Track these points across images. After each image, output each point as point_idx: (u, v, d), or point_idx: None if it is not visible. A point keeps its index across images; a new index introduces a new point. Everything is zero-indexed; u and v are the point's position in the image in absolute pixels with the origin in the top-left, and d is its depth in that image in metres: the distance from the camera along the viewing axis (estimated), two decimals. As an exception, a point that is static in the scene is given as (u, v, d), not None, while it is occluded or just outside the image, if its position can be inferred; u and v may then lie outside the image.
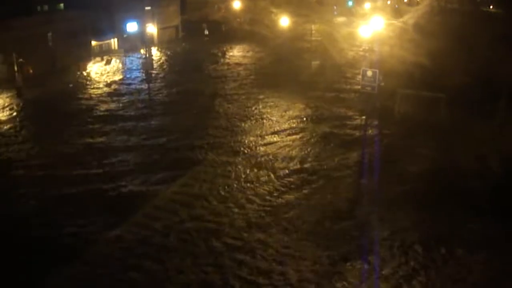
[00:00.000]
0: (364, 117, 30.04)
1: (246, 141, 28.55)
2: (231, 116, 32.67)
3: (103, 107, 34.30)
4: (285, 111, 33.24)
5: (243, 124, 31.30)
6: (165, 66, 46.32)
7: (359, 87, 30.28)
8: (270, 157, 26.04)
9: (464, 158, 25.60)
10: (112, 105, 34.67)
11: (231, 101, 35.81)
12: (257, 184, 23.37)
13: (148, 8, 53.45)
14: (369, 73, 27.62)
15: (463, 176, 23.92)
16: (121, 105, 34.89)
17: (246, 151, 27.19)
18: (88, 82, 40.11)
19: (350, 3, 76.66)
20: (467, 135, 28.46)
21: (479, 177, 24.05)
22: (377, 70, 27.66)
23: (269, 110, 33.43)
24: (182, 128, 30.01)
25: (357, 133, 29.80)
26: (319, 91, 37.87)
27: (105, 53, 48.91)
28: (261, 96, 36.40)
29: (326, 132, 30.06)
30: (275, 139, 28.54)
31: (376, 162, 26.05)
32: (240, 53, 52.06)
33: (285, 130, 29.85)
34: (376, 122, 31.20)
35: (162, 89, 38.42)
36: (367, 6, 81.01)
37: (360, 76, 29.72)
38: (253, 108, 34.00)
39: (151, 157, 26.11)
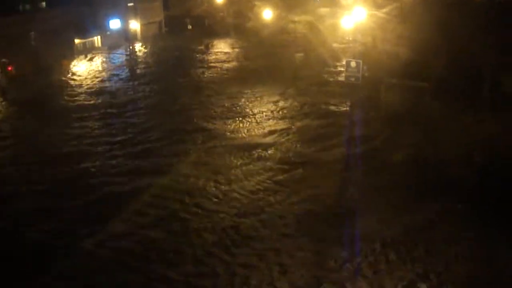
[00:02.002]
0: (349, 107, 30.33)
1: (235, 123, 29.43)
2: (220, 111, 32.36)
3: (87, 106, 33.81)
4: (271, 105, 32.96)
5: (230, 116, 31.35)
6: (149, 63, 45.96)
7: (343, 78, 30.58)
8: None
9: (448, 146, 25.88)
10: (96, 104, 34.19)
11: (218, 95, 35.41)
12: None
13: (130, 4, 53.34)
14: (353, 64, 27.74)
15: (447, 164, 24.25)
16: (105, 104, 34.35)
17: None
18: (71, 81, 39.69)
19: None
20: (451, 124, 28.71)
21: (464, 165, 24.41)
22: (361, 61, 27.81)
23: (255, 105, 33.14)
24: (167, 128, 29.63)
25: (342, 123, 29.72)
26: (304, 83, 37.58)
27: (88, 51, 48.55)
28: (246, 91, 35.94)
29: (311, 124, 29.90)
30: (262, 140, 27.95)
31: (361, 152, 26.31)
32: (223, 47, 51.74)
33: (271, 129, 29.16)
34: (361, 112, 31.47)
35: (146, 87, 37.89)
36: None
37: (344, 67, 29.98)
38: (239, 103, 33.76)
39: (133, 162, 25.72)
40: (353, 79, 27.68)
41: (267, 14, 54.61)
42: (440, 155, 25.11)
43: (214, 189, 22.18)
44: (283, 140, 27.48)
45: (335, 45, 48.33)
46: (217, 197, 21.42)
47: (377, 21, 49.59)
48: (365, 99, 32.21)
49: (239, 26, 58.63)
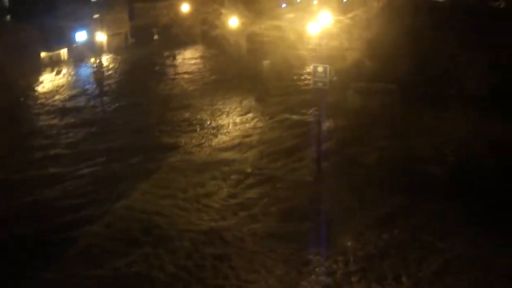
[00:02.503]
0: (317, 112, 30.44)
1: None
2: (185, 125, 31.97)
3: (53, 123, 32.97)
4: (238, 117, 32.80)
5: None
6: (115, 76, 45.11)
7: (311, 83, 30.66)
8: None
9: (418, 146, 26.19)
10: (63, 121, 33.31)
11: (184, 108, 34.90)
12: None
13: (96, 16, 52.91)
14: (320, 69, 27.84)
15: (418, 163, 24.54)
16: (72, 121, 33.45)
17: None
18: (38, 96, 38.85)
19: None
20: (420, 124, 29.10)
21: (434, 164, 24.73)
22: (328, 66, 28.00)
23: (222, 118, 32.80)
24: (132, 146, 28.61)
25: (310, 131, 29.42)
26: (271, 92, 37.51)
27: (55, 64, 47.87)
28: (213, 102, 35.69)
29: (279, 135, 29.81)
30: (227, 154, 27.50)
31: (332, 155, 26.35)
32: (190, 57, 51.39)
33: (236, 142, 28.84)
34: (330, 117, 31.64)
35: (113, 103, 37.07)
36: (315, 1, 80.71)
37: (310, 72, 30.06)
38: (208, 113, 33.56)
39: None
40: (320, 84, 27.74)
41: (234, 21, 54.56)
42: (411, 155, 25.49)
43: (175, 209, 21.47)
44: (248, 154, 27.09)
45: (302, 51, 47.80)
46: (173, 223, 20.43)
47: (344, 26, 49.99)
48: (334, 103, 32.44)
49: (206, 34, 58.31)
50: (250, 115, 33.15)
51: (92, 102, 37.47)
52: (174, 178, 24.10)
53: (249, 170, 24.94)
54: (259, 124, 31.47)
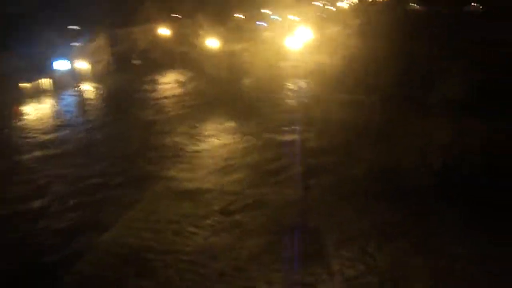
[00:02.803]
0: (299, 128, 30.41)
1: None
2: (165, 152, 31.17)
3: (36, 155, 31.87)
4: (218, 140, 32.05)
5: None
6: (98, 103, 44.53)
7: (292, 99, 30.70)
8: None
9: (402, 153, 26.24)
10: (46, 152, 32.22)
11: (164, 134, 34.13)
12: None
13: (76, 44, 52.83)
14: (302, 84, 27.91)
15: (403, 170, 24.55)
16: (56, 151, 32.47)
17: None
18: (21, 128, 37.71)
19: (273, 17, 75.62)
20: (403, 132, 29.19)
21: (418, 169, 24.76)
22: (309, 80, 28.02)
23: (201, 143, 31.88)
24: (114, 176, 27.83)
25: (294, 150, 29.44)
26: (253, 112, 36.85)
27: (37, 94, 47.58)
28: (192, 126, 34.94)
29: (262, 158, 28.89)
30: (206, 183, 26.40)
31: (317, 171, 26.34)
32: (170, 80, 50.93)
33: (217, 168, 27.83)
34: (313, 131, 31.56)
35: (97, 130, 36.20)
36: (291, 17, 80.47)
37: (292, 88, 30.13)
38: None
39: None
40: (304, 98, 27.81)
41: (213, 42, 54.54)
42: (396, 163, 25.54)
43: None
44: (229, 180, 26.13)
45: (282, 68, 47.74)
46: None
47: (324, 42, 50.24)
48: (316, 117, 32.39)
49: (185, 56, 57.99)
50: (232, 136, 32.47)
51: (75, 132, 36.79)
52: (157, 209, 23.28)
53: (233, 197, 24.15)
54: (241, 146, 30.72)
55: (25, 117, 41.18)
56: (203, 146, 32.05)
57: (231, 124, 35.79)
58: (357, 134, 29.62)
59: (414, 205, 21.44)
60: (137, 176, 27.94)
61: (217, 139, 33.01)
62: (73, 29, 53.02)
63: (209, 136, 34.03)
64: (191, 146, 32.32)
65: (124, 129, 37.14)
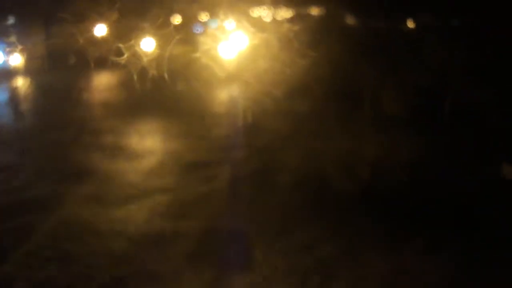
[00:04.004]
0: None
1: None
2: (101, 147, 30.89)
3: None
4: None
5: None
6: (31, 100, 43.89)
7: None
8: None
9: (331, 166, 26.85)
10: None
11: (100, 131, 33.36)
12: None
13: (11, 39, 51.96)
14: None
15: (331, 183, 25.14)
16: None
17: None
18: None
19: (213, 24, 74.09)
20: (334, 146, 29.86)
21: (347, 182, 25.42)
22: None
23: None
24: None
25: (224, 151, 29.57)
26: (185, 114, 36.74)
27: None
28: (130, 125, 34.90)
29: (196, 156, 28.95)
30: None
31: (247, 180, 26.66)
32: (104, 81, 50.99)
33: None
34: (244, 139, 31.93)
35: (29, 126, 35.49)
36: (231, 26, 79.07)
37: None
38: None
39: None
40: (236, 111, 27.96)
41: (149, 45, 53.64)
42: (324, 176, 26.12)
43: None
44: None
45: (217, 73, 46.95)
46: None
47: (260, 47, 49.85)
48: (248, 126, 32.78)
49: (119, 57, 56.64)
50: (164, 137, 32.53)
51: (5, 129, 36.41)
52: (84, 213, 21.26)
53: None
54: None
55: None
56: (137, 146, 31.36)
57: (163, 125, 34.98)
58: (285, 143, 30.08)
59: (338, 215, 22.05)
60: (67, 175, 26.17)
61: (149, 139, 32.62)
62: (11, 24, 52.03)
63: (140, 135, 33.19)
64: (122, 145, 31.32)
65: (57, 126, 35.40)
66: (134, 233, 19.55)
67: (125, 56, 61.89)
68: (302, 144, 29.18)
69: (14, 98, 41.55)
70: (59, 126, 34.31)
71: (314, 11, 50.61)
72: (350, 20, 52.33)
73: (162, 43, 61.49)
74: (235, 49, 41.06)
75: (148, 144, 32.21)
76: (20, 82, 48.21)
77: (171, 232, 19.70)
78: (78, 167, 26.93)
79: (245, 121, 33.31)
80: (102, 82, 49.38)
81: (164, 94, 41.49)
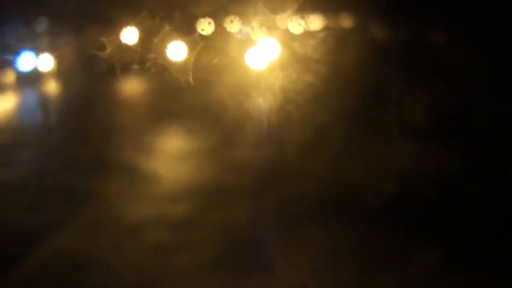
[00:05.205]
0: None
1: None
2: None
3: None
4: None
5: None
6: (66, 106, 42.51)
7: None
8: None
9: (356, 177, 26.92)
10: None
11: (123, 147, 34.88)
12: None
13: (41, 44, 52.26)
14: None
15: (356, 194, 25.18)
16: None
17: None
18: None
19: (243, 32, 73.03)
20: (360, 155, 29.90)
21: (371, 194, 25.51)
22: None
23: None
24: None
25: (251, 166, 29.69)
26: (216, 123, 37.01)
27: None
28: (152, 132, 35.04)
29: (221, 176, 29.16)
30: None
31: (271, 190, 26.66)
32: (137, 86, 50.79)
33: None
34: (272, 148, 32.09)
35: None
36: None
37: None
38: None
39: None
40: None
41: (177, 50, 52.47)
42: (350, 186, 26.16)
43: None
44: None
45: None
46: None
47: (289, 58, 47.41)
48: (277, 135, 32.87)
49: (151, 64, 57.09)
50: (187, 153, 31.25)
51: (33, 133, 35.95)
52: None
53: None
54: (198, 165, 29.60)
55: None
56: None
57: (187, 138, 35.07)
58: (312, 153, 30.12)
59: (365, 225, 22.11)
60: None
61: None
62: (38, 27, 52.14)
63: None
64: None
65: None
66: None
67: (152, 62, 62.39)
68: (329, 154, 29.25)
69: (46, 103, 41.80)
70: (96, 130, 34.15)
71: (345, 21, 50.58)
72: (380, 31, 52.28)
73: (190, 49, 61.74)
74: (265, 58, 40.85)
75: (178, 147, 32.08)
76: (52, 87, 48.37)
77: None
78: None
79: (271, 130, 33.41)
80: (129, 88, 49.58)
81: (191, 102, 40.95)
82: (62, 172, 26.65)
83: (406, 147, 28.45)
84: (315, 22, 56.11)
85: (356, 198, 24.01)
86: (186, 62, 50.61)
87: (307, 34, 54.36)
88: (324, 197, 24.09)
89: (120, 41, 60.60)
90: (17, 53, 48.14)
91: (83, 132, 35.22)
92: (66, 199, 21.92)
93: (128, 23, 56.05)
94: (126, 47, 58.95)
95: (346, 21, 50.25)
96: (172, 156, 31.54)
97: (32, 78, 46.85)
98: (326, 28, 54.12)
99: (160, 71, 49.98)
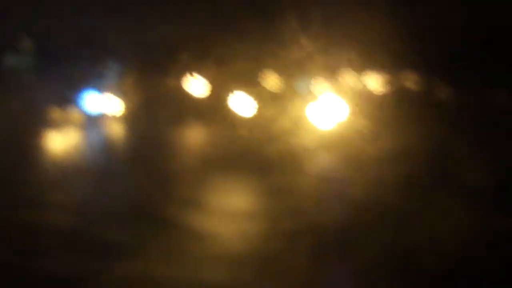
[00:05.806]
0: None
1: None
2: None
3: None
4: None
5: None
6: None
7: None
8: None
9: (416, 239, 26.50)
10: None
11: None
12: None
13: (111, 87, 51.79)
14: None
15: (415, 255, 24.80)
16: None
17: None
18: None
19: (308, 87, 69.27)
20: (420, 218, 29.47)
21: (431, 257, 25.04)
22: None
23: None
24: None
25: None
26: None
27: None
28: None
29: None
30: None
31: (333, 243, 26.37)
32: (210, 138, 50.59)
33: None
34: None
35: None
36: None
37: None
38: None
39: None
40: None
41: (241, 102, 49.53)
42: (409, 248, 25.74)
43: None
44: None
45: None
46: None
47: (357, 118, 43.02)
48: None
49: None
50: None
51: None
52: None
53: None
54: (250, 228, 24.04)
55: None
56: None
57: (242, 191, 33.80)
58: (374, 215, 29.79)
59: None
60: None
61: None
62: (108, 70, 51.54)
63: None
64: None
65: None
66: None
67: (216, 114, 62.21)
68: (391, 216, 28.94)
69: (105, 146, 42.13)
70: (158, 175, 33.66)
71: (409, 82, 50.11)
72: (445, 92, 51.70)
73: (256, 104, 61.16)
74: (330, 119, 39.40)
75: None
76: (114, 130, 48.48)
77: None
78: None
79: (332, 193, 33.04)
80: (190, 138, 49.73)
81: (250, 159, 39.01)
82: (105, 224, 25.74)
83: (467, 211, 27.97)
84: (379, 82, 54.83)
85: (415, 259, 23.70)
86: (251, 116, 49.99)
87: (374, 92, 53.29)
88: (383, 257, 23.85)
89: (186, 90, 60.66)
90: (85, 93, 48.93)
91: (137, 180, 34.84)
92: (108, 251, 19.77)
93: (197, 72, 56.17)
94: (191, 97, 59.01)
95: (411, 83, 49.57)
96: (226, 215, 29.59)
97: (97, 119, 47.49)
98: (391, 87, 53.17)
99: (223, 124, 49.68)
